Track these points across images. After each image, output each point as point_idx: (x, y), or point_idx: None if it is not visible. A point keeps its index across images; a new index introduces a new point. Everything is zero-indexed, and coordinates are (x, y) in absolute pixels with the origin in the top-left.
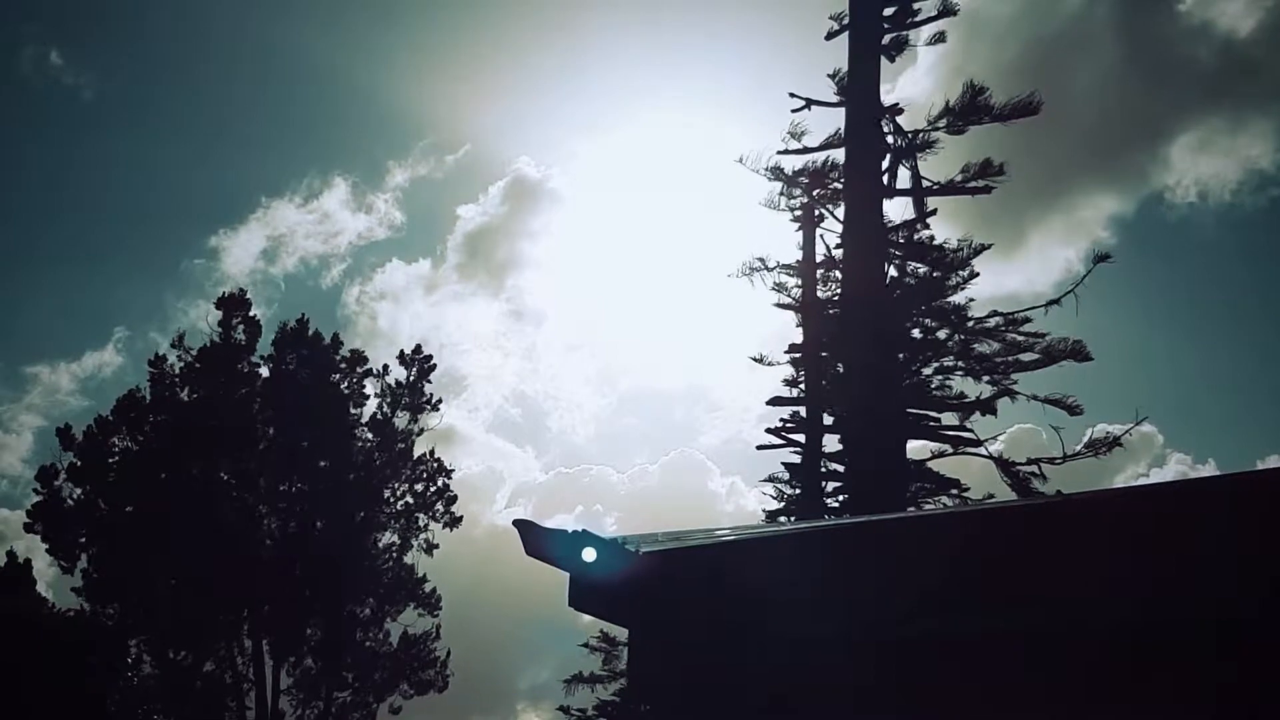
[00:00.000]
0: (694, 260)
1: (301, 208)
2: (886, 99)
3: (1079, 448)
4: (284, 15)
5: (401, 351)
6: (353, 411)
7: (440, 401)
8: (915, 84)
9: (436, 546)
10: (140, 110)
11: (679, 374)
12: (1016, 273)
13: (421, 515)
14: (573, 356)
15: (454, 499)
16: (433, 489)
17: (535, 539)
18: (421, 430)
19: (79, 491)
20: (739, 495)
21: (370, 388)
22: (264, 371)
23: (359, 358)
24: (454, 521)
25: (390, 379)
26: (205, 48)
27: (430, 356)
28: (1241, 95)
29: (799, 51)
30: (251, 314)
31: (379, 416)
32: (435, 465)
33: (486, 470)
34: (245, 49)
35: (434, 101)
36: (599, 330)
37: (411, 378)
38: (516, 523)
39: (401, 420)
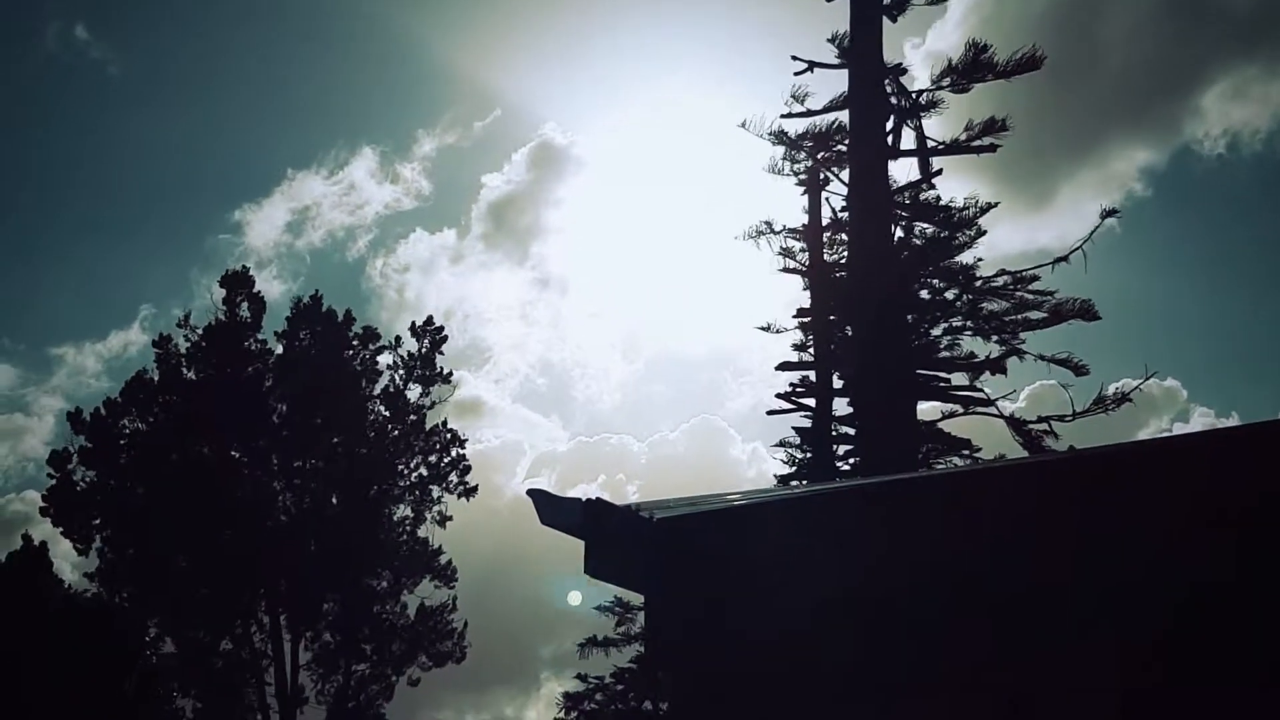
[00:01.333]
0: (719, 225)
1: (328, 179)
2: (918, 52)
3: (1089, 404)
4: None
5: (413, 323)
6: (365, 387)
7: (452, 374)
8: (944, 37)
9: (450, 518)
10: (164, 85)
11: (706, 340)
12: (1049, 228)
13: (435, 487)
14: (599, 324)
15: (468, 469)
16: (446, 460)
17: (550, 509)
18: (434, 402)
19: (91, 474)
20: (761, 461)
21: (383, 362)
22: (278, 349)
23: (371, 333)
24: (469, 492)
25: (403, 351)
26: (232, 20)
27: (442, 328)
28: (1276, 42)
29: (801, 13)
30: (255, 291)
31: (391, 389)
32: (449, 436)
33: (512, 441)
34: (272, 21)
35: (463, 68)
36: (625, 297)
37: (424, 350)
38: (531, 492)
39: (414, 393)
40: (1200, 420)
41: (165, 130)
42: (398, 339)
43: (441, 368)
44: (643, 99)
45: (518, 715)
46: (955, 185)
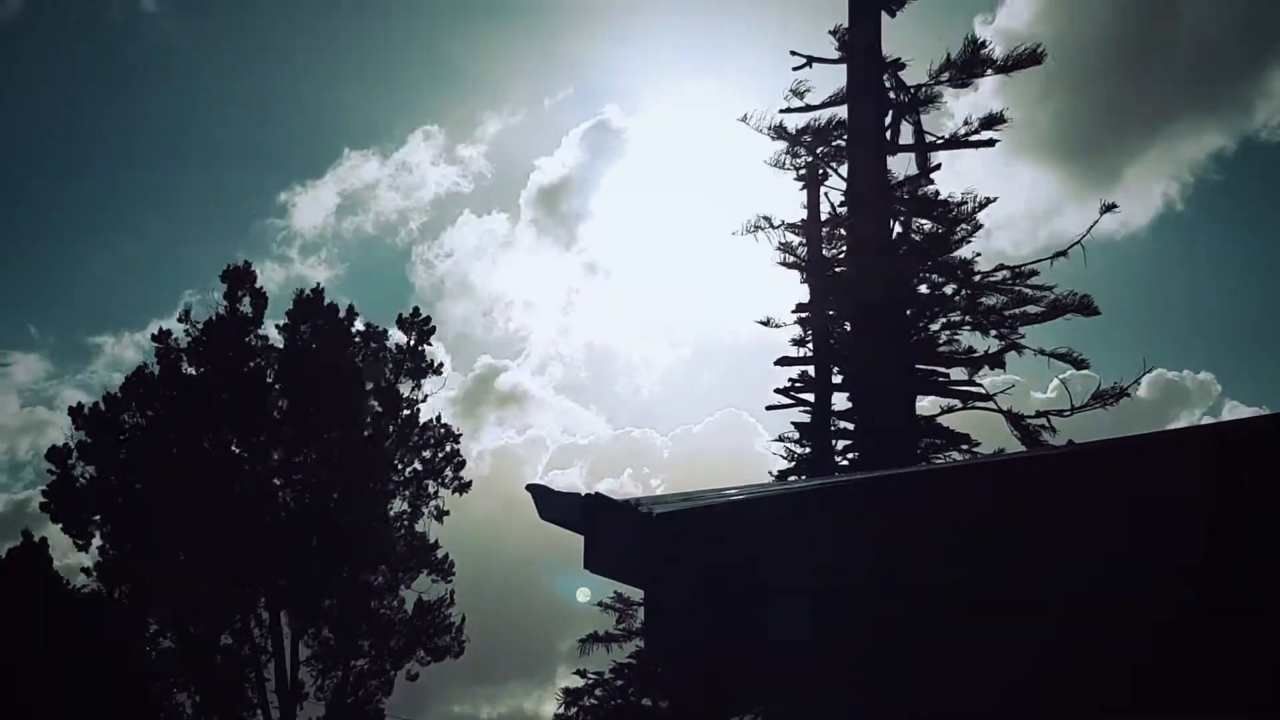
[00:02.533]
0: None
1: (384, 161)
2: (988, 29)
3: (1087, 399)
4: None
5: (400, 315)
6: (365, 382)
7: (442, 366)
8: (1015, 15)
9: (448, 513)
10: (223, 59)
11: (750, 327)
12: (1113, 211)
13: (431, 482)
14: (645, 311)
15: (462, 464)
16: (441, 455)
17: (549, 504)
18: (426, 396)
19: (91, 470)
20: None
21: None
22: (280, 343)
23: (374, 332)
24: (463, 487)
25: (391, 344)
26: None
27: (429, 319)
28: None
29: (802, 8)
30: (258, 285)
31: (383, 384)
32: (443, 431)
33: (544, 433)
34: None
35: (529, 48)
36: (673, 284)
37: (411, 342)
38: (530, 487)
39: (405, 387)
40: (1229, 414)
41: (220, 107)
42: (384, 331)
43: (432, 360)
44: (702, 85)
45: (535, 710)
46: (1019, 169)
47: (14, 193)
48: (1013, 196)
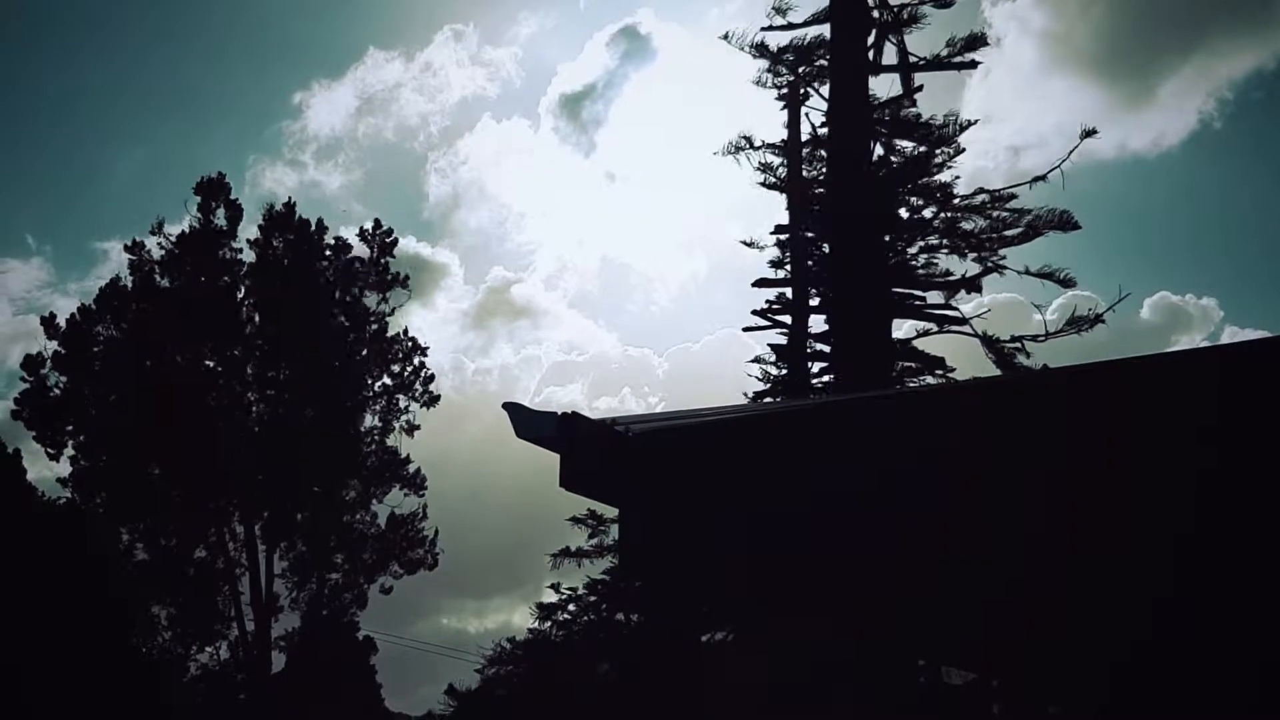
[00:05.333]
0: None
1: (409, 61)
2: None
3: (1062, 325)
4: None
5: (361, 228)
6: (336, 297)
7: (408, 278)
8: None
9: (418, 427)
10: None
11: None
12: (1147, 127)
13: (401, 396)
14: (663, 223)
15: (431, 378)
16: (409, 369)
17: (525, 421)
18: (393, 309)
19: (64, 380)
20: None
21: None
22: (249, 257)
23: (344, 245)
24: (432, 400)
25: (353, 257)
26: None
27: (391, 230)
28: None
29: None
30: (233, 198)
31: (347, 299)
32: (410, 345)
33: (550, 348)
34: None
35: None
36: (691, 196)
37: (374, 255)
38: (506, 405)
39: (371, 300)
40: (1226, 339)
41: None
42: (347, 245)
43: (397, 272)
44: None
45: (524, 623)
46: (1054, 82)
47: (15, 91)
48: (1048, 111)
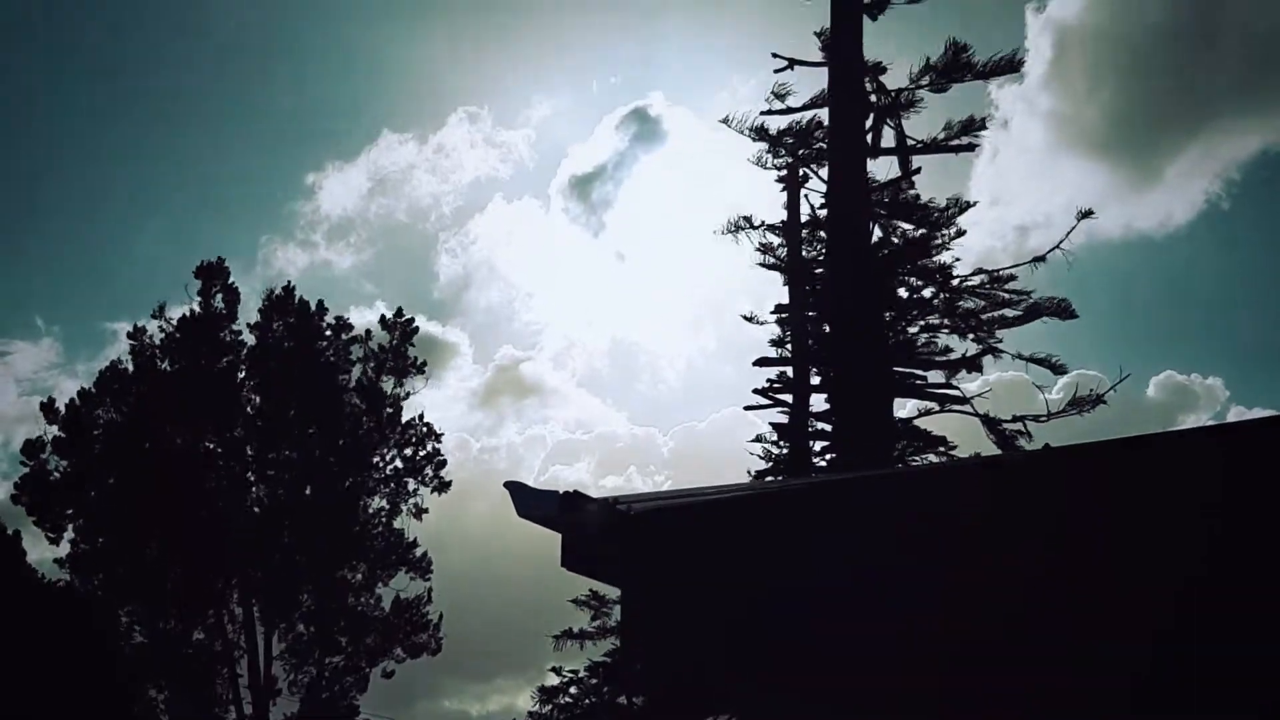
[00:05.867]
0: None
1: (422, 143)
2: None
3: (1064, 405)
4: None
5: (383, 316)
6: (340, 378)
7: (425, 363)
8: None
9: (426, 511)
10: (274, 32)
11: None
12: (1155, 207)
13: (411, 480)
14: (670, 303)
15: (443, 463)
16: (422, 454)
17: (526, 500)
18: (408, 394)
19: (64, 464)
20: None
21: (355, 353)
22: (250, 339)
23: (344, 324)
24: (443, 486)
25: (374, 343)
26: None
27: (412, 319)
28: None
29: (781, 11)
30: (230, 282)
31: (364, 382)
32: (424, 430)
33: (556, 426)
34: None
35: (583, 29)
36: (699, 274)
37: (394, 341)
38: (508, 484)
39: (388, 385)
40: (1233, 417)
41: (259, 84)
42: (368, 332)
43: (414, 358)
44: (748, 78)
45: (526, 706)
46: (1062, 163)
47: (29, 171)
48: (1056, 191)
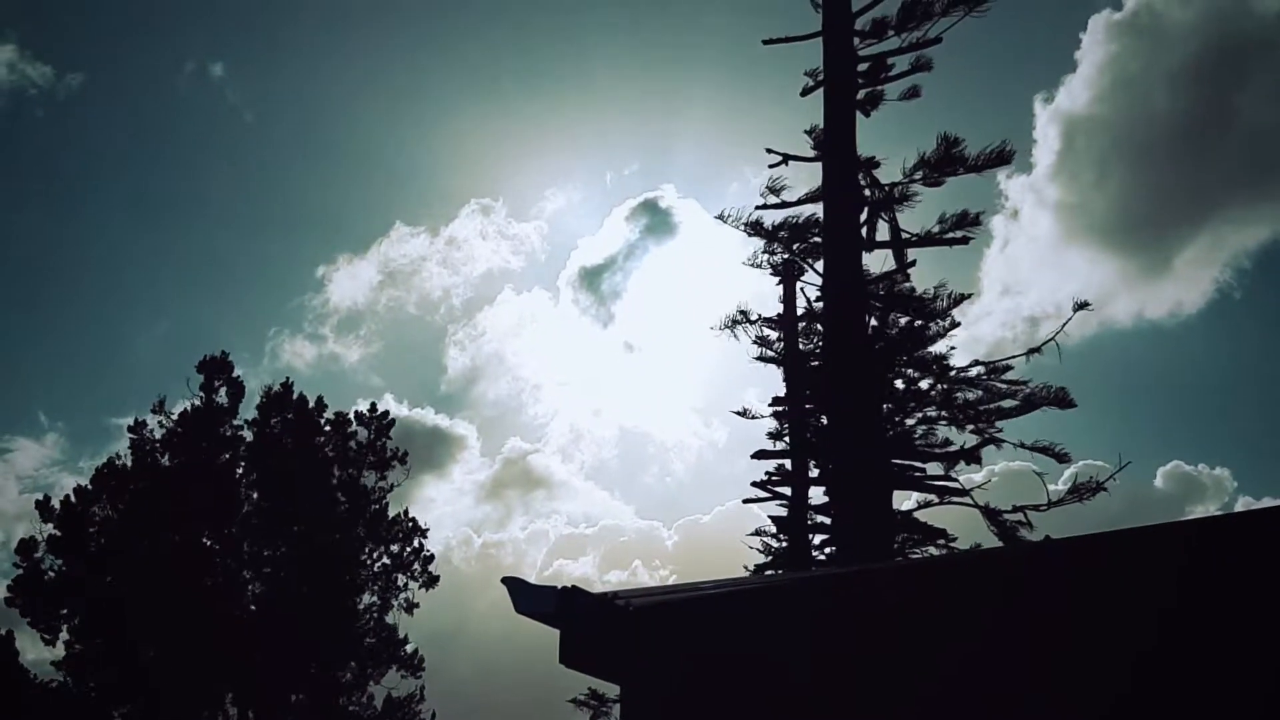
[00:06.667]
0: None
1: (431, 238)
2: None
3: (1064, 494)
4: (455, 31)
5: (357, 411)
6: (336, 474)
7: (406, 455)
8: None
9: (417, 605)
10: (282, 127)
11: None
12: (1161, 294)
13: (400, 575)
14: (677, 393)
15: (430, 558)
16: (409, 549)
17: (525, 597)
18: (391, 487)
19: (59, 563)
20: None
21: (353, 447)
22: (248, 435)
23: (343, 420)
24: (431, 581)
25: (353, 441)
26: (381, 62)
27: (387, 413)
28: None
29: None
30: (234, 375)
31: (345, 478)
32: (410, 525)
33: (562, 520)
34: (418, 71)
35: (600, 120)
36: (708, 365)
37: (371, 436)
38: (505, 580)
39: (369, 479)
40: (1241, 508)
41: (272, 178)
42: (351, 430)
43: (396, 449)
44: (758, 174)
45: None
46: (1071, 253)
47: (40, 265)
48: (1066, 280)
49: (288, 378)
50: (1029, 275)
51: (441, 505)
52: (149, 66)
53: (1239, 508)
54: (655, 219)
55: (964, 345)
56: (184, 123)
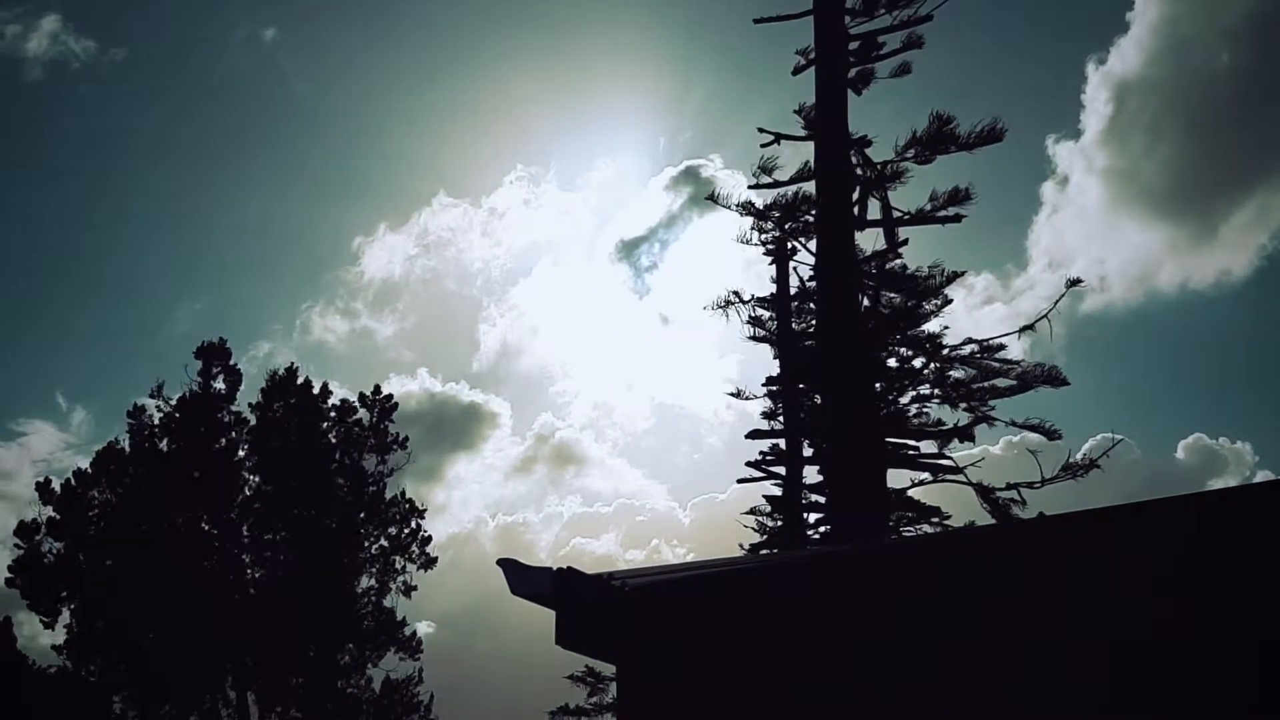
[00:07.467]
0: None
1: (473, 206)
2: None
3: (1057, 471)
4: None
5: (361, 394)
6: (336, 458)
7: (407, 439)
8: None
9: (415, 588)
10: (332, 97)
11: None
12: (1209, 262)
13: (398, 558)
14: (715, 366)
15: (428, 540)
16: (407, 531)
17: (520, 578)
18: (391, 470)
19: (59, 546)
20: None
21: (356, 433)
22: (251, 419)
23: (348, 406)
24: (429, 563)
25: (354, 421)
26: (432, 36)
27: (390, 396)
28: None
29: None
30: (232, 363)
31: (346, 461)
32: (407, 507)
33: (594, 496)
34: (465, 41)
35: (637, 96)
36: (737, 341)
37: (374, 419)
38: (501, 562)
39: (370, 462)
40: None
41: (317, 147)
42: (352, 411)
43: (397, 434)
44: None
45: None
46: (1122, 221)
47: (76, 241)
48: (1116, 249)
49: (292, 362)
50: (1075, 244)
51: (471, 483)
52: (195, 35)
53: (1258, 480)
54: (698, 188)
55: (1004, 319)
56: (230, 91)
